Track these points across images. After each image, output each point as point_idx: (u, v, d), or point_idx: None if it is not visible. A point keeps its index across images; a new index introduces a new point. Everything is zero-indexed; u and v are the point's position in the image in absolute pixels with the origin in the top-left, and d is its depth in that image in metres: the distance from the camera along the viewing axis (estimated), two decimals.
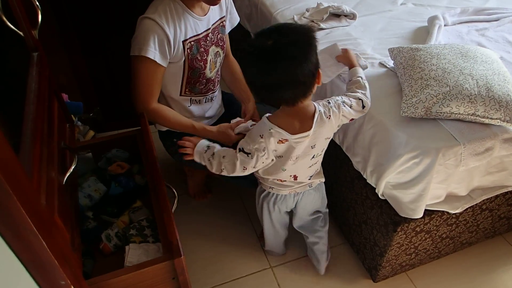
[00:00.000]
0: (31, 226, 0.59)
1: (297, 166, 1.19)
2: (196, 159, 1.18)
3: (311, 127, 1.09)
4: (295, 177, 1.23)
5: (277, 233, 1.49)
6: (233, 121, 1.44)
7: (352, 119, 1.20)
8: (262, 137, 1.08)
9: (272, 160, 1.15)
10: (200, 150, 1.17)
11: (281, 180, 1.25)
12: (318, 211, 1.43)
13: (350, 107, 1.17)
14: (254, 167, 1.13)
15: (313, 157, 1.19)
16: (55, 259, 0.66)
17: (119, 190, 1.25)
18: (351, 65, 1.30)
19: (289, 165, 1.17)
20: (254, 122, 1.51)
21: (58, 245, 0.69)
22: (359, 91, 1.21)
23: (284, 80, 0.99)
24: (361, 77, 1.25)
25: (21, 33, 1.01)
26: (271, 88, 1.02)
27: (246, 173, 1.15)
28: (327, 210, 1.45)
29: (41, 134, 0.87)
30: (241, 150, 1.12)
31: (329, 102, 1.15)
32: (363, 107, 1.19)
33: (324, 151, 1.23)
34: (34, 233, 0.60)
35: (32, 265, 0.64)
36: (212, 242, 1.67)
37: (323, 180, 1.33)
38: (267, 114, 1.12)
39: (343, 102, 1.16)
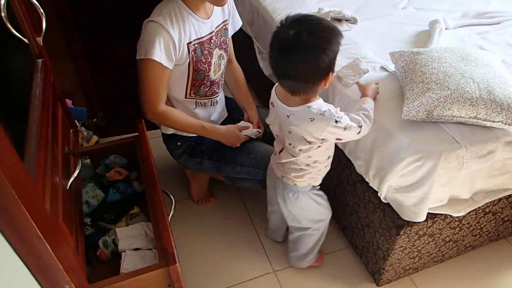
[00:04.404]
0: (36, 231, 0.60)
1: None
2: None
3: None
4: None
5: None
6: (240, 124, 1.48)
7: (339, 139, 1.17)
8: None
9: None
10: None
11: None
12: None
13: (345, 129, 1.11)
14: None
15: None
16: (59, 264, 0.66)
17: (117, 197, 1.26)
18: (365, 94, 1.26)
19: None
20: (259, 130, 1.53)
21: (63, 249, 0.70)
22: (367, 120, 1.18)
23: (287, 72, 1.04)
24: (371, 107, 1.22)
25: (25, 40, 1.02)
26: (276, 75, 1.09)
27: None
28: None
29: (46, 139, 0.88)
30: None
31: (330, 111, 1.10)
32: (358, 133, 1.16)
33: (298, 154, 1.19)
34: (39, 237, 0.61)
35: (37, 270, 0.64)
36: (214, 246, 1.67)
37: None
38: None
39: (340, 121, 1.10)
